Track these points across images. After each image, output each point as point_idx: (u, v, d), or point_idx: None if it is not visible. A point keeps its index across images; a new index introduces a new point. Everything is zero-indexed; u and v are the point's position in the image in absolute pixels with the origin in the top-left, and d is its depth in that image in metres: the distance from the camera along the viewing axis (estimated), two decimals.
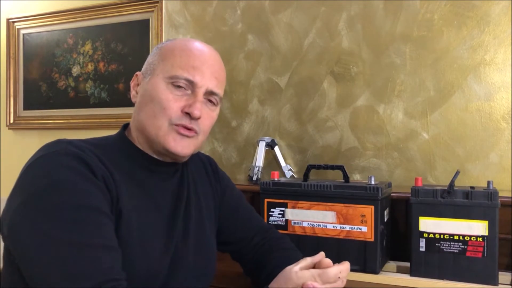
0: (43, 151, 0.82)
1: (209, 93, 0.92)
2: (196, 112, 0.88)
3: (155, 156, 0.94)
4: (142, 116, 0.91)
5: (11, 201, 0.79)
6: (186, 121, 0.89)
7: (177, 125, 0.89)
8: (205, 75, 0.91)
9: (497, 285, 1.20)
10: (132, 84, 0.97)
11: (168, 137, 0.89)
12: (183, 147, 0.90)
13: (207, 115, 0.93)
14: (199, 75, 0.90)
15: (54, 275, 0.72)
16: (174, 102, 0.89)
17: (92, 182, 0.79)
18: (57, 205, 0.75)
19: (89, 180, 0.79)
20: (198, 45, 0.94)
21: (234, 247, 1.11)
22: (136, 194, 0.88)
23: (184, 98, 0.90)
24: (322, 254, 0.90)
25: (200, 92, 0.90)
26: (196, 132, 0.91)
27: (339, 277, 0.84)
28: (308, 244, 1.35)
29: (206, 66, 0.92)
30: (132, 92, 0.96)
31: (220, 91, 0.95)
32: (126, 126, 0.99)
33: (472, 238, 1.22)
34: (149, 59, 0.96)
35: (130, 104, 0.97)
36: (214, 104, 0.95)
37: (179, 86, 0.89)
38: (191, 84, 0.90)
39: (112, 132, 1.01)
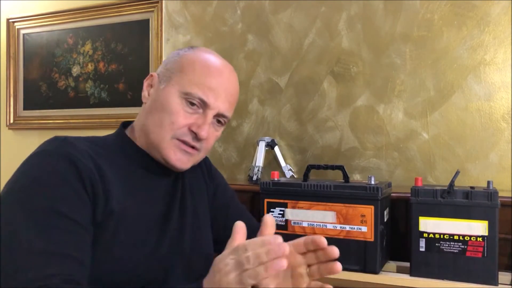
0: (38, 149, 0.84)
1: (219, 115, 0.93)
2: (203, 134, 0.89)
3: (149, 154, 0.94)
4: (149, 121, 0.92)
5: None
6: (189, 139, 0.90)
7: (180, 140, 0.90)
8: (219, 98, 0.91)
9: (497, 285, 1.20)
10: (145, 83, 0.97)
11: (169, 150, 0.90)
12: (182, 162, 0.92)
13: (212, 135, 0.94)
14: (213, 97, 0.90)
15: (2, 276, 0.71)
16: (183, 118, 0.89)
17: (73, 188, 0.79)
18: (26, 205, 0.75)
19: (70, 186, 0.79)
20: (219, 64, 0.94)
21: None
22: (130, 193, 0.89)
23: (194, 116, 0.90)
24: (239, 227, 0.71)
25: (211, 114, 0.91)
26: (197, 150, 0.93)
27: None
28: None
29: (222, 88, 0.92)
30: (144, 92, 0.96)
31: (230, 114, 0.95)
32: (125, 124, 0.99)
33: (472, 238, 1.22)
34: (168, 64, 0.95)
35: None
36: (221, 124, 0.96)
37: (192, 103, 0.90)
38: (204, 104, 0.90)
39: (112, 132, 1.01)
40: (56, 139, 0.85)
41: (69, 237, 0.76)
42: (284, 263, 0.61)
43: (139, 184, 0.91)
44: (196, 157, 0.94)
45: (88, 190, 0.80)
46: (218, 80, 0.91)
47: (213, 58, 0.94)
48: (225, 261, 0.66)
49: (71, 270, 0.73)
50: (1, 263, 0.71)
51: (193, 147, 0.92)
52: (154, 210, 0.92)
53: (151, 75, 0.97)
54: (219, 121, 0.95)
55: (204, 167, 1.11)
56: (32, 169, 0.80)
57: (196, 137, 0.90)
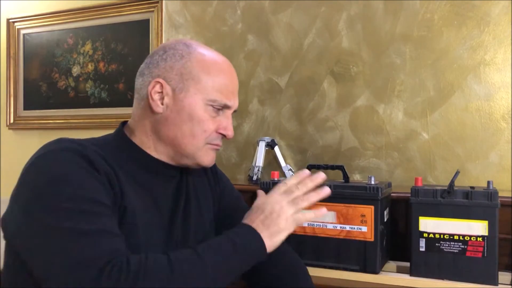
0: (45, 149, 0.83)
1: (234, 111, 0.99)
2: (231, 134, 0.96)
3: (157, 158, 0.94)
4: (179, 134, 0.92)
5: (16, 199, 0.80)
6: (219, 141, 0.96)
7: (212, 144, 0.95)
8: (236, 98, 0.97)
9: (497, 285, 1.20)
10: (153, 91, 0.92)
11: (204, 155, 0.95)
12: (212, 161, 0.99)
13: None
14: (233, 99, 0.96)
15: (56, 265, 0.72)
16: (212, 124, 0.93)
17: (95, 177, 0.80)
18: (59, 198, 0.76)
19: (91, 175, 0.80)
20: (225, 62, 0.97)
21: None
22: (138, 194, 0.89)
23: (218, 118, 0.94)
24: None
25: (230, 113, 0.97)
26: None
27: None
28: (308, 244, 1.35)
29: (235, 87, 0.97)
30: (157, 102, 0.92)
31: None
32: (124, 124, 0.99)
33: (472, 238, 1.22)
34: (174, 69, 0.92)
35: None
36: None
37: (217, 109, 0.94)
38: (226, 106, 0.95)
39: (112, 132, 1.01)
40: (62, 139, 0.86)
41: (110, 220, 0.79)
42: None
43: (145, 187, 0.91)
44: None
45: (107, 182, 0.82)
46: (232, 81, 0.96)
47: (223, 59, 0.98)
48: (276, 199, 0.90)
49: (120, 243, 0.77)
50: (60, 252, 0.72)
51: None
52: (160, 213, 0.93)
53: (159, 83, 0.92)
54: None
55: (209, 171, 1.11)
56: (50, 165, 0.80)
57: (225, 137, 0.96)
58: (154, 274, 0.73)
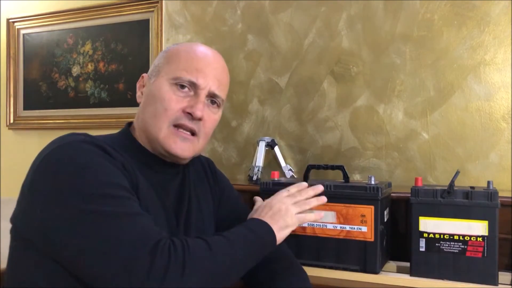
0: (59, 142, 0.84)
1: (211, 95, 0.94)
2: (197, 113, 0.90)
3: (154, 153, 0.95)
4: (145, 116, 0.93)
5: (33, 194, 0.79)
6: (186, 121, 0.90)
7: (177, 125, 0.91)
8: (208, 77, 0.92)
9: (497, 285, 1.20)
10: (138, 85, 0.99)
11: (168, 140, 0.91)
12: (183, 150, 0.92)
13: (209, 117, 0.94)
14: (202, 77, 0.91)
15: (104, 247, 0.72)
16: (176, 102, 0.90)
17: (116, 166, 0.82)
18: (92, 184, 0.76)
19: (112, 163, 0.81)
20: (203, 49, 0.96)
21: None
22: (147, 189, 0.90)
23: (186, 99, 0.91)
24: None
25: (203, 94, 0.92)
26: (196, 134, 0.93)
27: None
28: (308, 244, 1.35)
29: (209, 68, 0.93)
30: (138, 93, 0.98)
31: (222, 93, 0.96)
32: (130, 124, 1.00)
33: (472, 238, 1.22)
34: (155, 62, 0.98)
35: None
36: (216, 106, 0.97)
37: (182, 87, 0.91)
38: (194, 86, 0.91)
39: (112, 132, 1.01)
40: (72, 134, 0.88)
41: (139, 204, 0.81)
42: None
43: (150, 184, 0.92)
44: (196, 145, 0.94)
45: (125, 172, 0.83)
46: (204, 61, 0.93)
47: (196, 45, 0.97)
48: (282, 200, 0.96)
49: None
50: (108, 234, 0.73)
51: (192, 133, 0.92)
52: (164, 213, 0.93)
53: (142, 76, 0.99)
54: (213, 102, 0.96)
55: (209, 171, 1.11)
56: (72, 155, 0.80)
57: (192, 117, 0.91)
58: (197, 252, 0.76)
